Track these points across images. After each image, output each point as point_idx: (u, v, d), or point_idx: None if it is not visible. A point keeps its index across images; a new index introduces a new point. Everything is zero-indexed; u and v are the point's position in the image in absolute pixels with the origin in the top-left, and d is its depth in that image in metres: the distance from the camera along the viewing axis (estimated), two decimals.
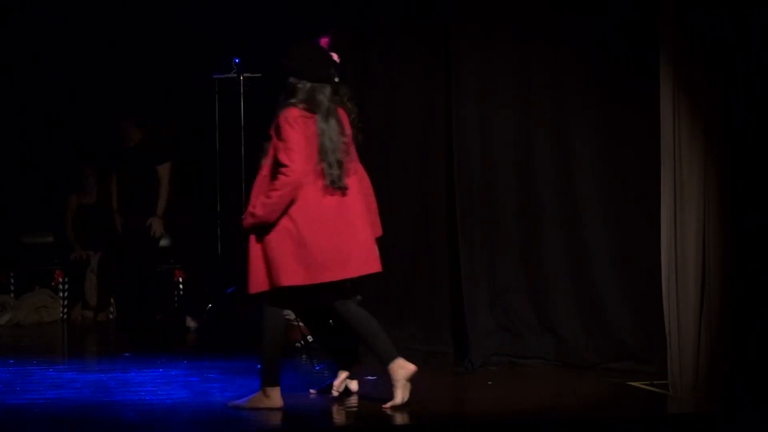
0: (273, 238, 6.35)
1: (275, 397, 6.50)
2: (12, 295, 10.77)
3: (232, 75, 9.97)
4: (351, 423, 6.58)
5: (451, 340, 8.52)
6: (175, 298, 10.58)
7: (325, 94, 6.46)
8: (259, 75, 9.94)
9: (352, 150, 6.58)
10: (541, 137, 8.24)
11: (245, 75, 9.94)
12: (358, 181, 6.57)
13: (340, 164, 6.41)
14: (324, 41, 7.26)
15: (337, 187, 6.39)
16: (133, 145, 9.99)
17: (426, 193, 8.75)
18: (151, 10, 10.84)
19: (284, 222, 6.34)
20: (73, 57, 11.10)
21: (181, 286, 10.60)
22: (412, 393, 6.56)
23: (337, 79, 6.53)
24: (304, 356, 8.40)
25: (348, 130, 6.55)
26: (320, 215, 6.35)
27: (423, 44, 8.75)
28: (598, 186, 8.08)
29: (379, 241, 8.67)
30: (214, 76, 10.11)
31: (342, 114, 6.57)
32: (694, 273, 6.94)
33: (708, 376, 6.87)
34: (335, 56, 7.04)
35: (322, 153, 6.36)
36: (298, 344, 8.77)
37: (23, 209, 11.09)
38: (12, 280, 10.86)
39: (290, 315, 8.95)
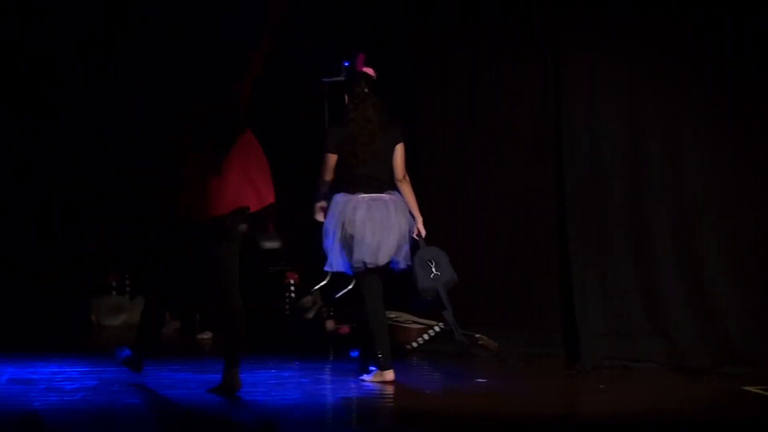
0: None
1: None
2: (127, 296, 10.93)
3: (342, 78, 9.96)
4: (454, 426, 6.58)
5: (563, 343, 8.48)
6: (287, 300, 10.63)
7: None
8: None
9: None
10: (652, 140, 8.18)
11: None
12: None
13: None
14: (360, 58, 7.87)
15: None
16: None
17: (536, 197, 8.72)
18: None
19: None
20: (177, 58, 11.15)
21: (292, 288, 10.64)
22: (524, 395, 6.54)
23: None
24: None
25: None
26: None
27: (532, 47, 8.71)
28: (712, 189, 8.00)
29: (488, 245, 8.74)
30: (323, 80, 10.12)
31: None
32: None
33: None
34: (371, 71, 7.69)
35: None
36: (409, 346, 8.80)
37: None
38: (128, 282, 11.01)
39: (400, 317, 9.02)
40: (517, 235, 8.80)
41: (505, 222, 8.85)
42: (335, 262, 7.54)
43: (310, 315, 9.84)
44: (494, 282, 8.84)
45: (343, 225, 7.45)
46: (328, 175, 7.58)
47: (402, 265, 7.53)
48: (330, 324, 9.45)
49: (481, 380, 7.53)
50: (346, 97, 7.67)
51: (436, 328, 8.82)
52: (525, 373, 8.08)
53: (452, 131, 9.14)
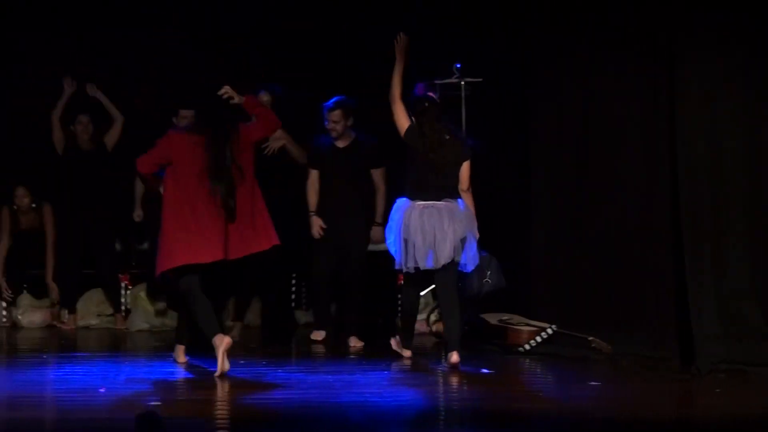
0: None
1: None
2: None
3: (454, 80, 9.96)
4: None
5: (677, 347, 8.36)
6: (398, 302, 10.66)
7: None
8: (480, 80, 9.94)
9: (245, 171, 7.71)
10: None
11: (466, 80, 9.93)
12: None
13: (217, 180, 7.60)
14: (420, 87, 8.69)
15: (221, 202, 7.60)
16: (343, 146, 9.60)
17: (651, 200, 8.64)
18: (374, 15, 10.93)
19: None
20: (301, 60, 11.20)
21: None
22: (638, 398, 6.47)
23: None
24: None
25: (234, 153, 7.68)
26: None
27: (645, 48, 8.63)
28: None
29: (602, 247, 8.71)
30: (436, 81, 10.10)
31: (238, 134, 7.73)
32: None
33: None
34: (432, 94, 8.39)
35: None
36: (521, 348, 8.76)
37: None
38: None
39: (512, 319, 8.99)
40: (631, 235, 8.73)
41: (618, 223, 8.79)
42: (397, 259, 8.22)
43: (422, 317, 9.86)
44: (608, 284, 8.78)
45: (400, 229, 8.10)
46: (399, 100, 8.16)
47: (470, 267, 8.17)
48: (440, 326, 9.45)
49: (594, 383, 7.47)
50: (412, 118, 8.17)
51: (549, 331, 8.77)
52: (639, 375, 7.99)
53: (566, 136, 9.13)
